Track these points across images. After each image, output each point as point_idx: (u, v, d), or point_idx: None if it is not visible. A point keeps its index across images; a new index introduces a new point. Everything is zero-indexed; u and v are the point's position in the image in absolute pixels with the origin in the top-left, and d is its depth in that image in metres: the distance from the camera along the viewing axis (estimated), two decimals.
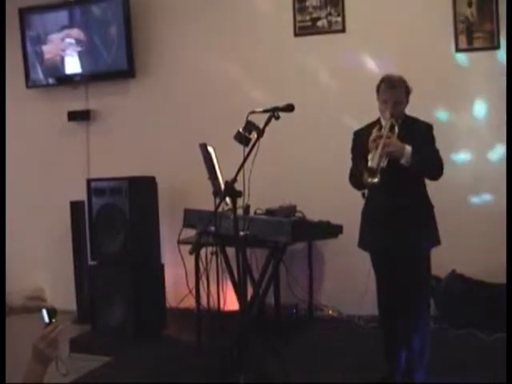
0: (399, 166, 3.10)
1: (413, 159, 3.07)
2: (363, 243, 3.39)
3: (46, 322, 1.85)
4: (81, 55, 5.44)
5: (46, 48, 5.51)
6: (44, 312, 1.87)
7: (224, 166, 3.95)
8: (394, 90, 3.20)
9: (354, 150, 3.40)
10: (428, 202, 3.32)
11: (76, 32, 5.41)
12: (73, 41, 5.43)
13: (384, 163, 3.06)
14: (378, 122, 3.30)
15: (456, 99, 4.69)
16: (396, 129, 3.17)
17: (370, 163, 3.03)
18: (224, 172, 3.89)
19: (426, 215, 3.28)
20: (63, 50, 5.48)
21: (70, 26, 5.42)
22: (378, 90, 3.27)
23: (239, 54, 5.16)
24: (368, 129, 3.30)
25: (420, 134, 3.23)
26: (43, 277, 5.61)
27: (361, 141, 3.28)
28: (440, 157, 3.25)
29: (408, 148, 3.08)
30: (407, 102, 3.29)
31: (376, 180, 3.02)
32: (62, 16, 5.44)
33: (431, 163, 3.20)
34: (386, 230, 3.22)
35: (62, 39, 5.46)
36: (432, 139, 3.28)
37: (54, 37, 5.47)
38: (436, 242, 3.30)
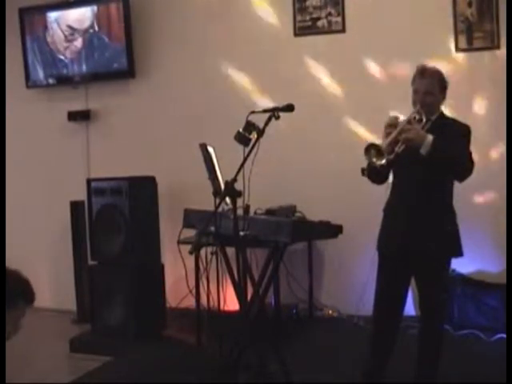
0: (424, 168, 2.98)
1: (432, 149, 2.90)
2: (378, 242, 3.25)
3: None
4: (81, 55, 5.43)
5: (45, 48, 5.51)
6: None
7: (224, 166, 3.95)
8: (423, 79, 3.09)
9: None
10: (450, 208, 3.16)
11: (76, 32, 5.41)
12: (73, 41, 5.43)
13: (400, 149, 2.91)
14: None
15: (456, 99, 4.67)
16: (424, 121, 3.02)
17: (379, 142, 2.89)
18: (224, 172, 3.88)
19: (444, 221, 3.12)
20: (63, 50, 5.48)
21: (70, 25, 5.42)
22: (412, 82, 3.15)
23: (239, 54, 5.16)
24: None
25: (453, 134, 3.05)
26: (43, 277, 5.61)
27: None
28: (470, 157, 3.06)
29: (429, 137, 2.92)
30: (443, 98, 3.16)
31: (383, 162, 2.86)
32: (62, 16, 5.44)
33: (453, 157, 2.98)
34: (401, 230, 3.11)
35: (62, 39, 5.46)
36: (466, 142, 3.09)
37: (54, 37, 5.47)
38: (454, 252, 3.16)
